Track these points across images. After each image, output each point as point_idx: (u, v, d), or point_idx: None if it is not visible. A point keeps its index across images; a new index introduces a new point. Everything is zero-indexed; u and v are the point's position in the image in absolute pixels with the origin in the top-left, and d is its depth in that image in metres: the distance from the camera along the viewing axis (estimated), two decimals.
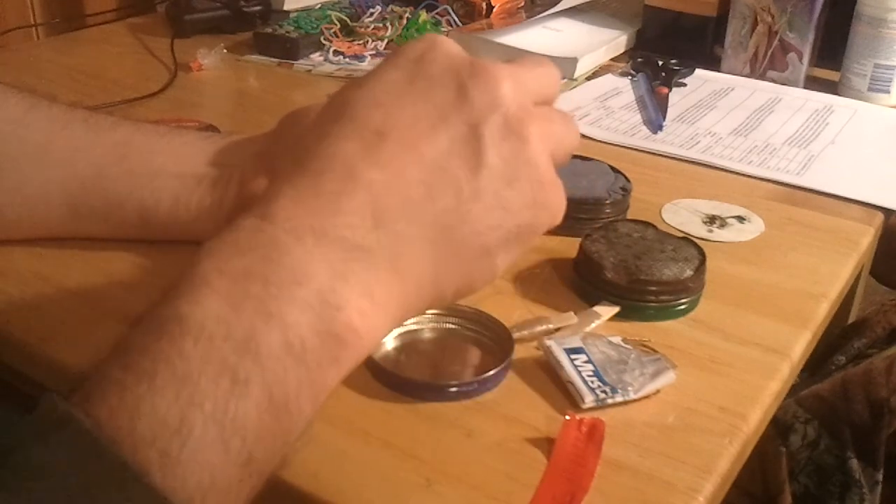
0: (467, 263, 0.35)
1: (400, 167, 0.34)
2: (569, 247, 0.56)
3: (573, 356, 0.46)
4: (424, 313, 0.50)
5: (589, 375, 0.45)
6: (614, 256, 0.53)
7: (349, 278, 0.32)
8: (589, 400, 0.44)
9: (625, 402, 0.45)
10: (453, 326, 0.50)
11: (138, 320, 0.31)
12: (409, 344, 0.49)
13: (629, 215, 0.62)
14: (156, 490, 0.27)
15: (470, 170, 0.34)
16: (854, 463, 0.73)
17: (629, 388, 0.45)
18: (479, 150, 0.35)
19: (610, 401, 0.44)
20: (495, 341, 0.49)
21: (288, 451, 0.32)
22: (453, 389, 0.45)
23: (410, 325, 0.50)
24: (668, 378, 0.46)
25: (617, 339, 0.48)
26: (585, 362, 0.46)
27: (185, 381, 0.29)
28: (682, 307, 0.53)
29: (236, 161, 0.54)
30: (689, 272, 0.53)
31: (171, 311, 0.30)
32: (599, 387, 0.44)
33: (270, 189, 0.34)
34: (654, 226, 0.58)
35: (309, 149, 0.35)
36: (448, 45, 0.37)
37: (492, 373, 0.45)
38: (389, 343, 0.49)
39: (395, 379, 0.45)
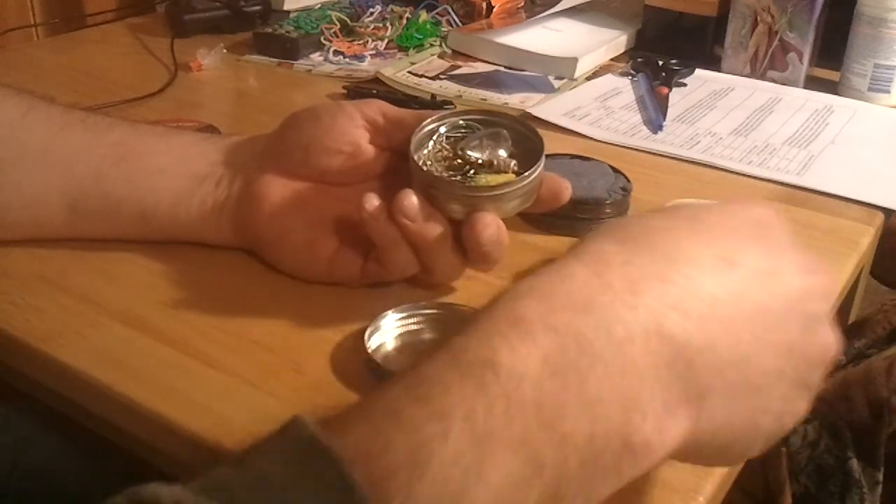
0: (741, 434, 0.34)
1: (743, 306, 0.32)
2: (569, 246, 0.56)
3: None
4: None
5: None
6: None
7: (663, 385, 0.30)
8: None
9: None
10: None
11: (437, 349, 0.28)
12: (410, 344, 0.49)
13: (629, 215, 0.62)
14: None
15: (787, 349, 0.33)
16: (854, 463, 0.73)
17: None
18: (799, 339, 0.34)
19: None
20: None
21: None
22: None
23: (411, 325, 0.50)
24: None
25: None
26: None
27: (481, 442, 0.26)
28: None
29: (238, 162, 0.54)
30: None
31: (486, 352, 0.27)
32: None
33: (603, 247, 0.32)
34: None
35: (652, 232, 0.33)
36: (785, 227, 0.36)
37: None
38: (390, 343, 0.49)
39: None
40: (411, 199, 0.47)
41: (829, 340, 0.35)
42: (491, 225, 0.47)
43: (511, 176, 0.48)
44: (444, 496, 0.25)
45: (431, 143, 0.51)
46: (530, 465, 0.26)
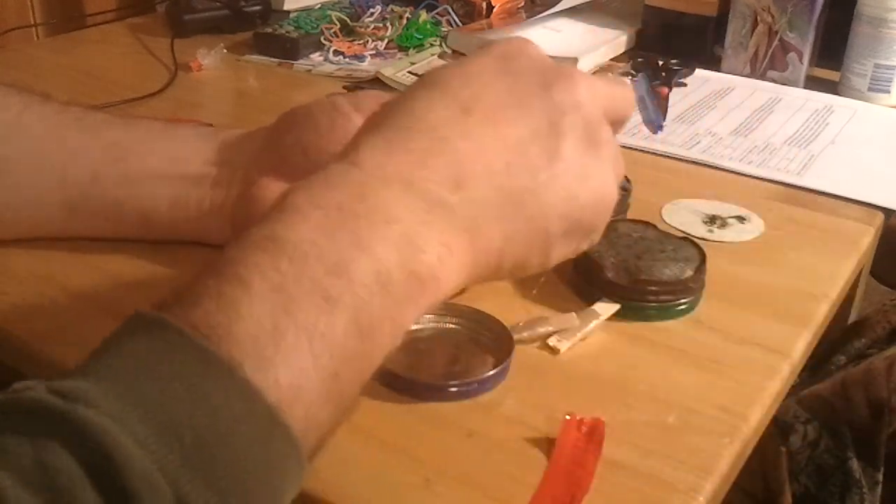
0: (529, 244, 0.38)
1: (484, 141, 0.37)
2: None
3: None
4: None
5: None
6: (614, 256, 0.53)
7: (431, 227, 0.35)
8: None
9: None
10: (453, 326, 0.50)
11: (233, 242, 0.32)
12: (410, 343, 0.49)
13: (629, 215, 0.62)
14: (249, 383, 0.28)
15: (547, 159, 0.38)
16: (854, 463, 0.73)
17: None
18: (557, 144, 0.38)
19: None
20: (495, 341, 0.49)
21: (363, 387, 0.33)
22: (453, 389, 0.45)
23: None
24: None
25: None
26: None
27: (280, 291, 0.30)
28: (683, 307, 0.53)
29: (235, 161, 0.54)
30: (689, 272, 0.53)
31: (265, 231, 0.32)
32: None
33: (359, 140, 0.37)
34: (654, 226, 0.58)
35: (400, 110, 0.38)
36: (535, 49, 0.41)
37: (492, 373, 0.45)
38: None
39: (395, 378, 0.45)
40: None
41: (577, 101, 0.39)
42: None
43: None
44: (262, 333, 0.29)
45: None
46: (327, 301, 0.31)
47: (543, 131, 0.38)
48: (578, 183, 0.38)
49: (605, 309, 0.51)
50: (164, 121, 0.59)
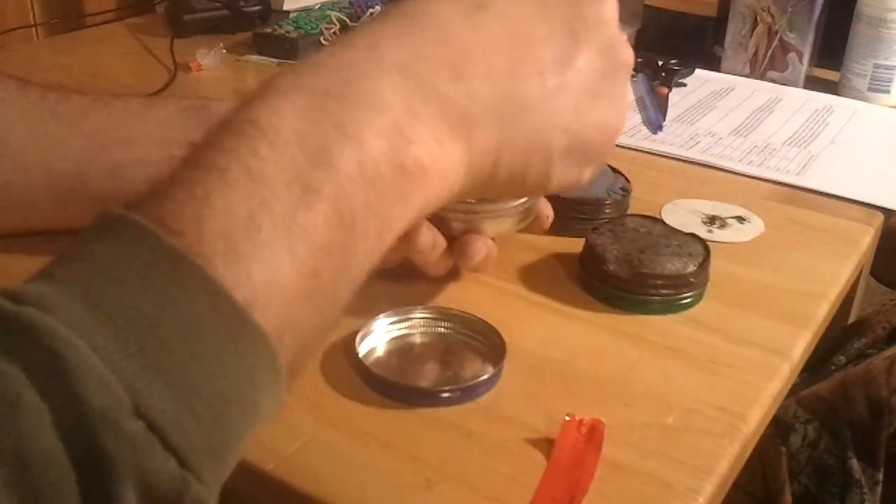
0: (529, 153, 0.36)
1: (492, 35, 0.35)
2: (575, 244, 0.57)
3: None
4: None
5: None
6: (618, 250, 0.53)
7: (423, 118, 0.32)
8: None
9: None
10: (445, 331, 0.50)
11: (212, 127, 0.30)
12: (401, 349, 0.49)
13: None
14: (217, 282, 0.26)
15: (560, 63, 0.35)
16: (854, 463, 0.72)
17: None
18: (575, 50, 0.36)
19: None
20: (487, 345, 0.49)
21: (349, 292, 0.31)
22: (445, 395, 0.45)
23: (402, 329, 0.50)
24: None
25: None
26: None
27: (257, 180, 0.28)
28: (686, 301, 0.53)
29: None
30: (692, 267, 0.53)
31: (247, 115, 0.30)
32: None
33: (360, 26, 0.35)
34: (662, 221, 0.58)
35: (409, 3, 0.35)
36: None
37: (484, 377, 0.45)
38: (381, 348, 0.48)
39: (386, 384, 0.45)
40: (426, 237, 0.47)
41: (604, 18, 0.37)
42: (481, 251, 0.49)
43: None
44: (235, 226, 0.27)
45: None
46: (307, 192, 0.29)
47: (561, 37, 0.36)
48: (588, 99, 0.36)
49: None
50: (143, 99, 0.57)
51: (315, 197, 0.29)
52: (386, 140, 0.31)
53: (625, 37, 0.38)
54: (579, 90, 0.36)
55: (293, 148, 0.29)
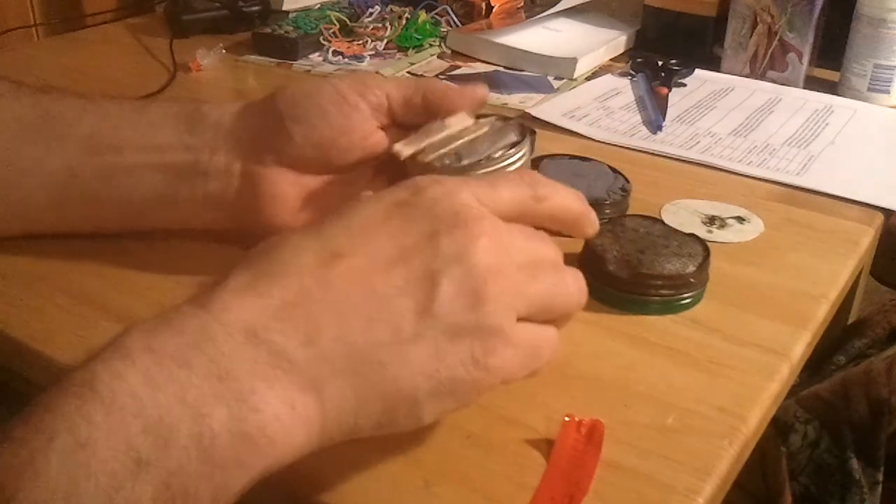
0: (392, 403, 0.35)
1: (346, 292, 0.34)
2: (575, 244, 0.56)
3: None
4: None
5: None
6: (618, 250, 0.53)
7: (273, 383, 0.32)
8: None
9: None
10: None
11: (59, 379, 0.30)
12: None
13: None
14: None
15: (416, 313, 0.34)
16: (854, 463, 0.72)
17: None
18: (430, 297, 0.35)
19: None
20: None
21: None
22: None
23: None
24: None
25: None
26: None
27: (85, 447, 0.28)
28: (685, 302, 0.53)
29: (226, 148, 0.52)
30: (691, 267, 0.53)
31: (87, 375, 0.30)
32: None
33: (221, 281, 0.35)
34: (661, 221, 0.58)
35: (269, 251, 0.36)
36: (438, 191, 0.37)
37: None
38: None
39: None
40: None
41: (465, 250, 0.35)
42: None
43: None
44: (54, 497, 0.27)
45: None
46: (135, 464, 0.28)
47: (417, 282, 0.35)
48: (449, 339, 0.35)
49: (458, 121, 0.51)
50: (136, 103, 0.56)
51: (145, 470, 0.29)
52: (227, 410, 0.31)
53: (488, 263, 0.36)
54: (439, 333, 0.35)
55: (128, 416, 0.29)
